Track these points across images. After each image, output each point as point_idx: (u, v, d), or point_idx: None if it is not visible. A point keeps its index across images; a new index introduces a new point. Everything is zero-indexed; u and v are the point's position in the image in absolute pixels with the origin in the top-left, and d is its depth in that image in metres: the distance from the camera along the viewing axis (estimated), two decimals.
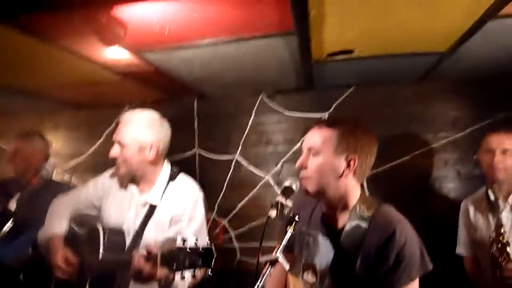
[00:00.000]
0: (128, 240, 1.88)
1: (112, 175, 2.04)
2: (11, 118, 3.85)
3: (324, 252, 1.50)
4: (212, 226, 3.32)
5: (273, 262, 1.31)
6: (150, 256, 1.55)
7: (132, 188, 1.97)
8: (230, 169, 3.37)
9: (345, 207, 1.49)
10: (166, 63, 2.42)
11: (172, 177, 1.98)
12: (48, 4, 1.62)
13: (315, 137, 1.48)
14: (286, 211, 1.46)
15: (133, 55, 2.25)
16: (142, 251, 1.72)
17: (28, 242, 2.43)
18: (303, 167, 1.49)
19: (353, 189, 1.49)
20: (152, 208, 1.90)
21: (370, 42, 2.22)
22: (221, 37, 2.07)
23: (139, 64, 2.41)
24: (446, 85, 3.05)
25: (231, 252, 3.30)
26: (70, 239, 1.96)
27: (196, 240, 1.47)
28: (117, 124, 1.94)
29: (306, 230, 1.60)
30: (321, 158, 1.45)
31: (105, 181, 2.05)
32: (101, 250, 1.80)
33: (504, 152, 2.17)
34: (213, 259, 1.42)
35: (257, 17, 1.86)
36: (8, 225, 1.27)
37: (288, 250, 1.64)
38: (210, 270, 1.42)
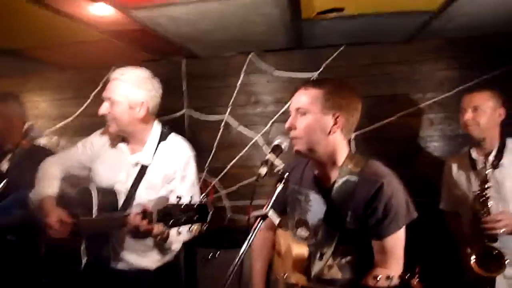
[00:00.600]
0: (121, 200, 1.89)
1: (103, 133, 2.03)
2: None
3: (316, 208, 1.58)
4: (202, 186, 3.38)
5: (264, 217, 1.36)
6: (145, 214, 1.59)
7: (123, 148, 1.97)
8: (220, 129, 3.38)
9: (334, 164, 1.55)
10: (153, 21, 2.35)
11: (163, 137, 1.98)
12: None
13: (303, 98, 1.53)
14: (275, 169, 1.49)
15: (120, 13, 2.18)
16: (135, 210, 1.75)
17: (16, 202, 2.45)
18: (292, 127, 1.54)
19: (341, 146, 1.55)
20: (143, 168, 1.91)
21: (360, 0, 2.19)
22: None
23: (126, 23, 2.34)
24: (436, 45, 3.05)
25: (222, 210, 3.39)
26: (62, 199, 1.97)
27: (191, 197, 1.51)
28: (104, 85, 1.91)
29: (298, 189, 1.67)
30: (309, 117, 1.51)
31: (95, 141, 2.04)
32: (94, 210, 1.83)
33: (475, 109, 2.23)
34: (208, 215, 1.46)
35: None
36: (2, 185, 1.29)
37: (280, 211, 1.72)
38: (205, 225, 1.47)
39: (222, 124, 3.38)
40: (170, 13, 2.24)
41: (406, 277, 1.14)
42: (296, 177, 1.69)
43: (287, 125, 1.55)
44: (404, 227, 1.46)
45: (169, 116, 3.38)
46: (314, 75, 3.19)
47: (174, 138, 2.02)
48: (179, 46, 2.98)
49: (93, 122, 3.43)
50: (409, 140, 3.10)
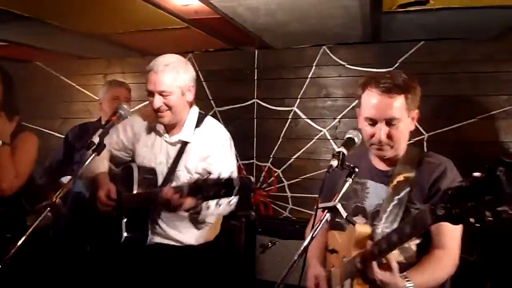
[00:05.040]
0: (160, 180, 1.94)
1: (143, 118, 2.06)
2: (82, 61, 4.08)
3: (373, 196, 1.60)
4: (266, 175, 3.44)
5: (332, 209, 1.36)
6: (177, 188, 1.65)
7: (161, 130, 1.99)
8: (288, 120, 3.40)
9: (398, 154, 1.58)
10: (232, 10, 2.41)
11: (200, 119, 2.00)
12: None
13: (394, 107, 1.48)
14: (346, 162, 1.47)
15: (202, 2, 2.26)
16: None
17: None
18: (388, 139, 1.50)
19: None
20: (183, 146, 1.94)
21: None
22: None
23: (207, 12, 2.43)
24: None
25: (284, 200, 3.42)
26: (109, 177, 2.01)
27: (220, 173, 1.54)
28: None
29: (354, 179, 1.62)
30: (402, 125, 1.50)
31: (135, 124, 2.07)
32: (135, 188, 1.89)
33: None
34: (234, 190, 1.48)
35: None
36: (91, 157, 1.41)
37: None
38: (233, 199, 1.49)
39: (290, 115, 3.39)
40: (248, 4, 2.28)
41: None
42: None
43: (383, 137, 1.49)
44: None
45: (239, 105, 3.45)
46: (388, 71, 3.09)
47: (212, 121, 2.04)
48: (254, 36, 3.02)
49: None
50: (491, 145, 2.89)
